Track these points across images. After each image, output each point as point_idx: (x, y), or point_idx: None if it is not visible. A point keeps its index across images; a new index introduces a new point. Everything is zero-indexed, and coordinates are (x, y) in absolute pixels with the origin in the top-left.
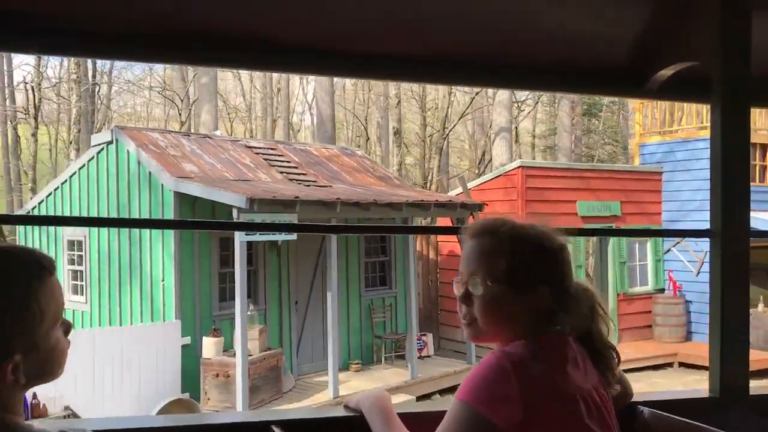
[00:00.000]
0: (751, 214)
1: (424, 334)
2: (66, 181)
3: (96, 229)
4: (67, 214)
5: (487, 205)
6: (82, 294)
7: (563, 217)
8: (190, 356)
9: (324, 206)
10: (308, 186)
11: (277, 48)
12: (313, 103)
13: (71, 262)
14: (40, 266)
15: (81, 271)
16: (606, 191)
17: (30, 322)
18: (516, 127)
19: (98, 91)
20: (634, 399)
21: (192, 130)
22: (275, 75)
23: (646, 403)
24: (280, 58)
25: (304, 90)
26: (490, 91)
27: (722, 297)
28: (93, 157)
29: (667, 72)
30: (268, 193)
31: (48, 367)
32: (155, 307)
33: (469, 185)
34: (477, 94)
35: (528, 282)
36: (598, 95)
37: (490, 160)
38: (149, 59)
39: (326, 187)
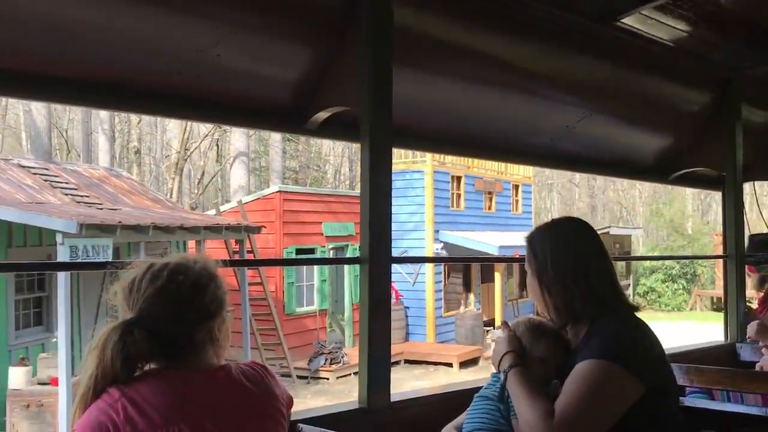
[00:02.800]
0: (448, 233)
1: None
2: None
3: None
4: None
5: (265, 227)
6: None
7: (313, 236)
8: None
9: (134, 230)
10: (101, 209)
11: None
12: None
13: None
14: None
15: None
16: (343, 214)
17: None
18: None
19: None
20: (294, 417)
21: None
22: None
23: (304, 420)
24: None
25: None
26: None
27: (369, 316)
28: None
29: (324, 114)
30: (95, 218)
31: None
32: None
33: (224, 207)
34: None
35: None
36: (266, 130)
37: (209, 182)
38: None
39: (116, 210)
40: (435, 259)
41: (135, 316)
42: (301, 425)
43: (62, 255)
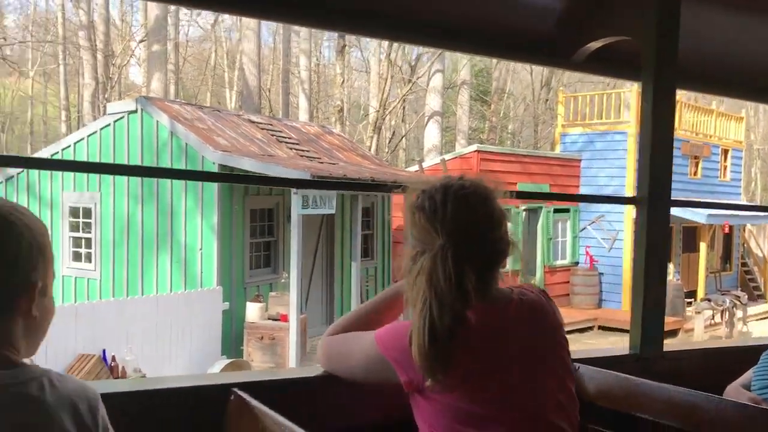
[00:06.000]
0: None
1: None
2: (69, 147)
3: (110, 197)
4: (71, 183)
5: None
6: (89, 261)
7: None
8: (227, 320)
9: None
10: (322, 163)
11: None
12: (238, 74)
13: (74, 228)
14: None
15: (88, 239)
16: (539, 175)
17: (48, 262)
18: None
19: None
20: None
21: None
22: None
23: (580, 360)
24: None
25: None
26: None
27: (646, 260)
28: (108, 125)
29: (595, 44)
30: (323, 171)
31: (46, 320)
32: (190, 275)
33: (426, 164)
34: (418, 79)
35: None
36: (526, 63)
37: (399, 140)
38: None
39: (334, 164)
40: (711, 204)
41: (445, 239)
42: (578, 364)
43: (295, 204)
